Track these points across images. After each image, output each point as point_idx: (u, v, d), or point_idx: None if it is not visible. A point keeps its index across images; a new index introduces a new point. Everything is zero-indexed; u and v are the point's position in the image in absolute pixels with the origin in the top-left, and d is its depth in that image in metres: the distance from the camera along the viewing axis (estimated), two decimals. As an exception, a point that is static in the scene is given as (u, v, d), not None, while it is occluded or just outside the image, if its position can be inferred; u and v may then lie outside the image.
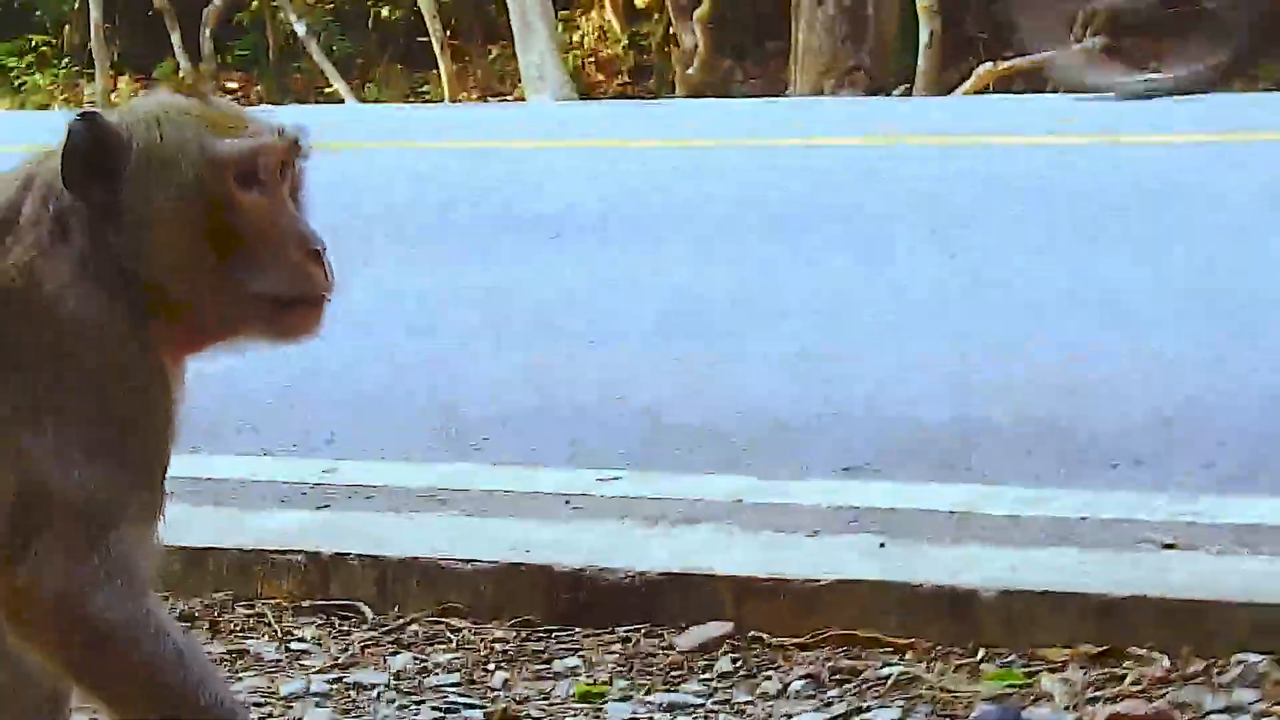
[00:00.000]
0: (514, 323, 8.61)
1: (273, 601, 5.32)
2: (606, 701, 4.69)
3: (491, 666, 4.91)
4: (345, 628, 5.18)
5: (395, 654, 5.00)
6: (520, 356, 7.95)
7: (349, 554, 5.34)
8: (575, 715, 4.63)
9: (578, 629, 5.10)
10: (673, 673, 4.84)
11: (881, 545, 5.24)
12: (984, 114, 16.50)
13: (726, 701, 4.66)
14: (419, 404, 7.33)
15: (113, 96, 25.31)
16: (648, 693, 4.72)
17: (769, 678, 4.77)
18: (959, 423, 6.66)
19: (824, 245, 10.06)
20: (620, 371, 7.66)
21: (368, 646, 5.06)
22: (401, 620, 5.18)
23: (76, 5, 26.93)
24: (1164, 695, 4.56)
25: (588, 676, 4.84)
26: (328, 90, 25.50)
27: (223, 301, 3.44)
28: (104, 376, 3.37)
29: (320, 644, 5.09)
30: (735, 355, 7.85)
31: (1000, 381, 7.21)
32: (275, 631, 5.16)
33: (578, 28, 26.01)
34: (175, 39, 26.25)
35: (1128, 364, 7.32)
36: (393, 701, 4.74)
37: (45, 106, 25.80)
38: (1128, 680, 4.64)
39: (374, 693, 4.79)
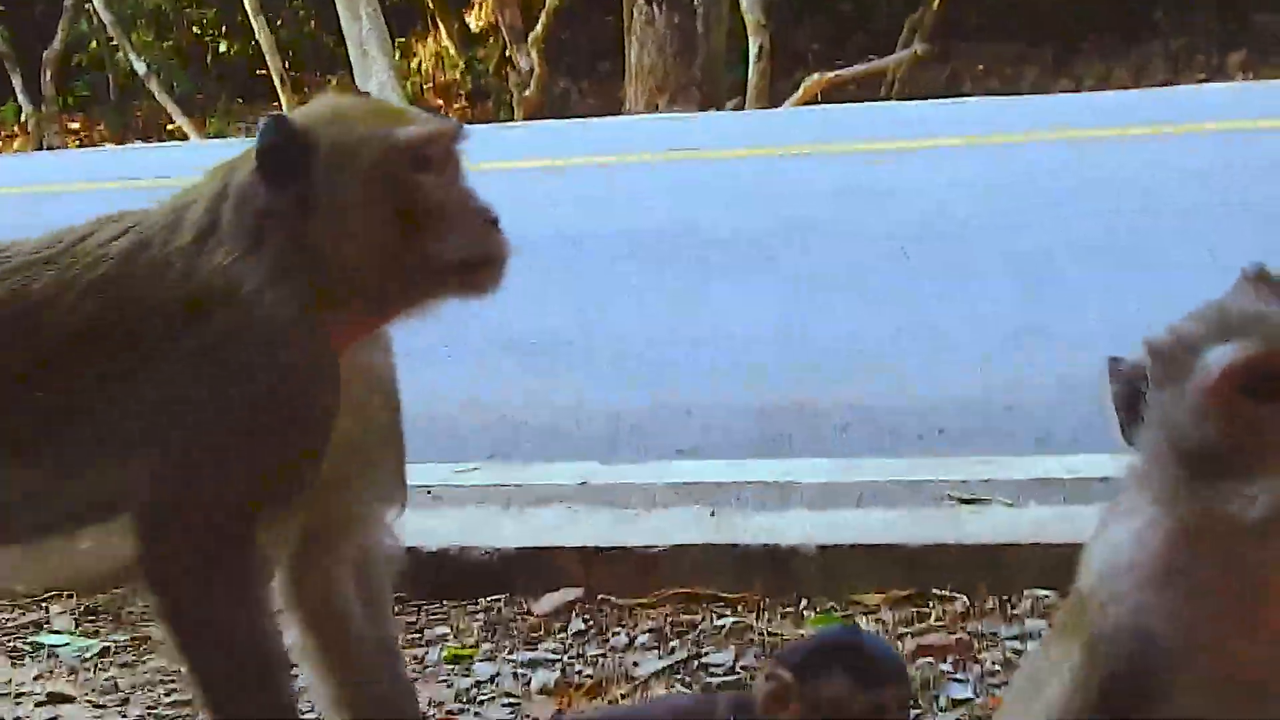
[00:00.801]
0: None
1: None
2: (474, 662, 5.25)
3: (369, 638, 5.45)
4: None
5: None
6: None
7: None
8: (447, 675, 5.18)
9: (446, 602, 5.66)
10: (532, 634, 5.42)
11: (712, 514, 5.85)
12: (808, 124, 17.18)
13: (580, 655, 5.24)
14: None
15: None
16: (510, 652, 5.29)
17: (617, 634, 5.35)
18: (779, 409, 7.32)
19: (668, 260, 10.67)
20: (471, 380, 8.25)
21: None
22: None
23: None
24: (964, 628, 5.19)
25: (456, 641, 5.40)
26: (170, 128, 25.73)
27: (413, 273, 3.76)
28: (280, 379, 3.70)
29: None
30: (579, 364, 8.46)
31: (818, 368, 7.89)
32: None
33: (415, 54, 26.46)
34: (16, 82, 26.45)
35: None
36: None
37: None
38: (933, 618, 5.27)
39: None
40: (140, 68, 25.64)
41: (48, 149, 23.89)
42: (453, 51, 26.20)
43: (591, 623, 5.46)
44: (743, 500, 5.95)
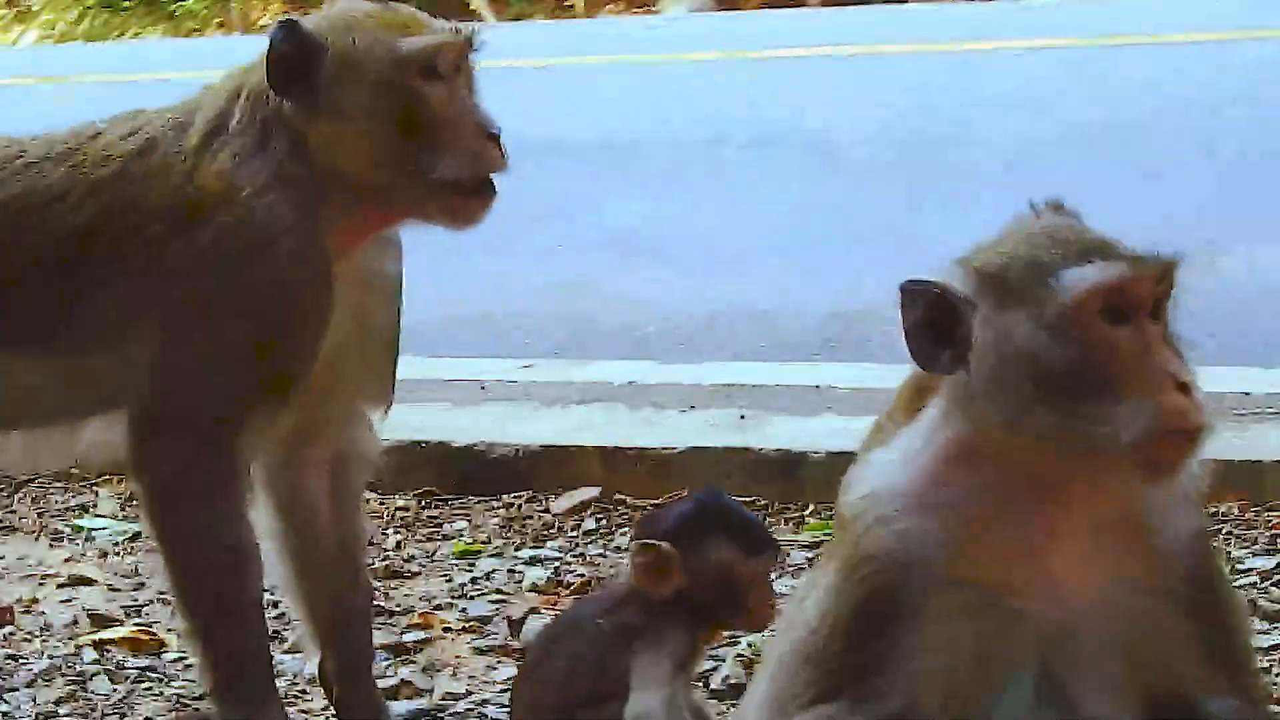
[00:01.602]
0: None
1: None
2: (480, 558, 5.39)
3: (390, 531, 5.63)
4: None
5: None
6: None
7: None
8: (450, 570, 5.33)
9: (471, 497, 5.80)
10: (544, 532, 5.54)
11: (742, 417, 5.91)
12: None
13: (581, 555, 5.36)
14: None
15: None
16: (518, 549, 5.42)
17: (624, 534, 5.45)
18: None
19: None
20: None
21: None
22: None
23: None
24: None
25: (470, 537, 5.55)
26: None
27: (411, 184, 3.88)
28: (274, 281, 3.84)
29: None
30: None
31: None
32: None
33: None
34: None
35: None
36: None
37: (198, 31, 25.73)
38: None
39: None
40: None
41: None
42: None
43: (604, 522, 5.57)
44: (777, 405, 6.00)
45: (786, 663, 2.94)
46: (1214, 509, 5.11)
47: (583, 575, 5.18)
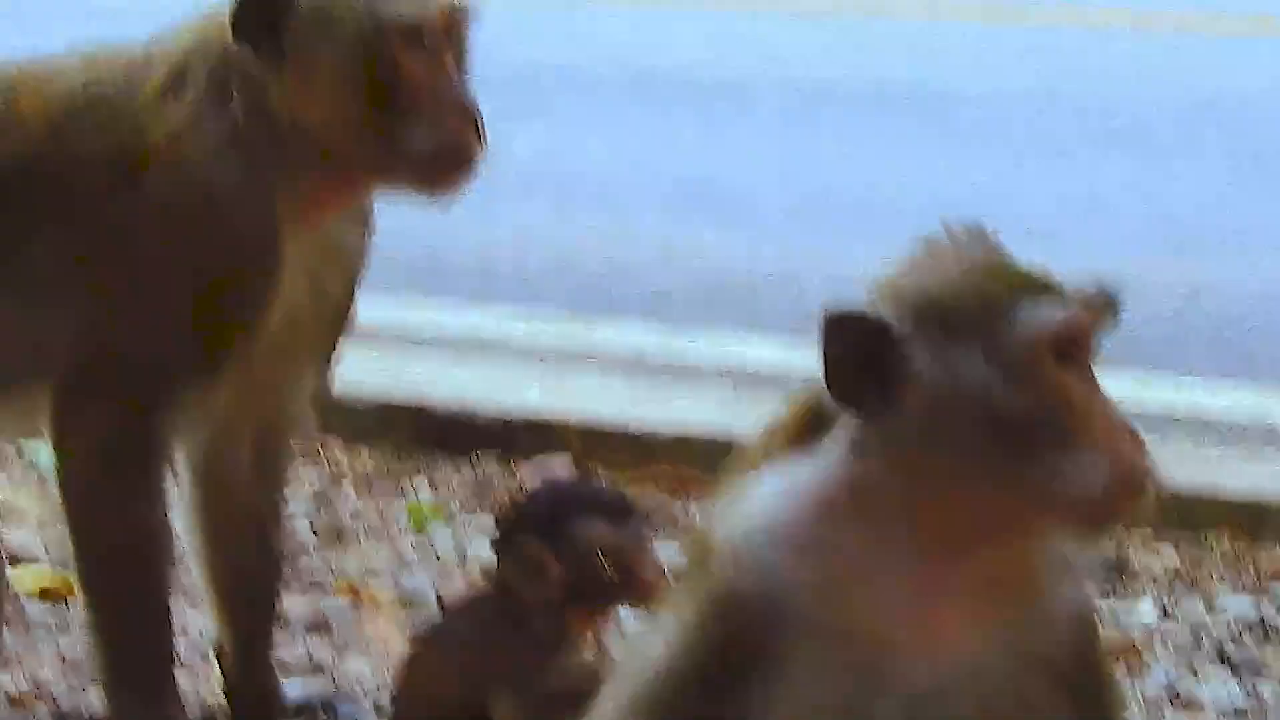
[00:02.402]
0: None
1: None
2: (435, 525, 5.06)
3: (346, 486, 5.32)
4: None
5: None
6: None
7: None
8: (398, 535, 5.01)
9: (441, 460, 5.46)
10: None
11: (740, 399, 5.57)
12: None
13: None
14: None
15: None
16: (474, 514, 5.09)
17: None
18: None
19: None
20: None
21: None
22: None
23: None
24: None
25: (433, 498, 5.21)
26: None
27: (376, 154, 3.63)
28: (216, 251, 3.61)
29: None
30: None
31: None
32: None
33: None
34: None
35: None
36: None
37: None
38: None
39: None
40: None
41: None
42: None
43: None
44: (787, 386, 5.64)
45: (625, 713, 2.62)
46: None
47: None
